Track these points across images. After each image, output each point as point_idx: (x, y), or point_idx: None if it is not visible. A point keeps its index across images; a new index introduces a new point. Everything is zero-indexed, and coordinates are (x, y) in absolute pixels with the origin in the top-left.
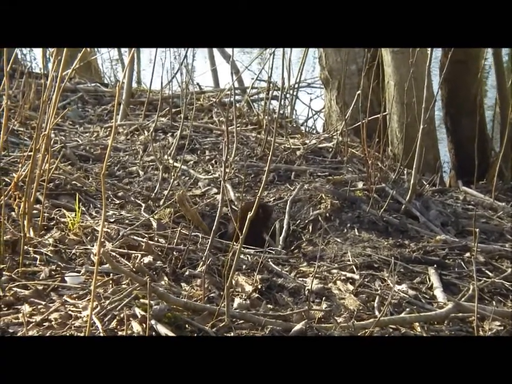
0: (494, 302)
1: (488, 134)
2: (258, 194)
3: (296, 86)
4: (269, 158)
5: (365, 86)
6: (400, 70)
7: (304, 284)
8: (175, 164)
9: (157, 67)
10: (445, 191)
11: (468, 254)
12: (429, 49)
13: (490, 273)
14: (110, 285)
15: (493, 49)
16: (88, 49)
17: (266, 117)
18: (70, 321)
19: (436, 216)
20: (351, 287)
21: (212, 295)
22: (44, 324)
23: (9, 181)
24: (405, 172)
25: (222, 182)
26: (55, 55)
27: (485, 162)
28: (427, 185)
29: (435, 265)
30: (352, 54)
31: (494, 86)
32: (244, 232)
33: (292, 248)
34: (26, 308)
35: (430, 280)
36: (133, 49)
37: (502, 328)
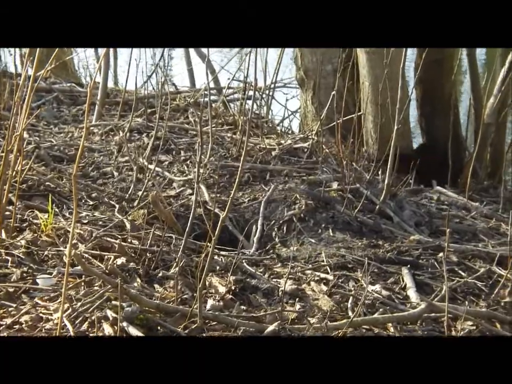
0: (466, 302)
1: (462, 134)
2: (232, 195)
3: (272, 86)
4: (242, 158)
5: (340, 86)
6: (375, 70)
7: (278, 285)
8: (150, 165)
9: (133, 67)
10: (419, 191)
11: (441, 254)
12: (403, 49)
13: (463, 273)
14: (82, 287)
15: (467, 50)
16: (65, 48)
17: (242, 117)
18: (41, 323)
19: (410, 216)
20: (324, 288)
21: (185, 296)
22: (15, 326)
23: None
24: (380, 172)
25: (195, 183)
26: (28, 54)
27: (459, 162)
28: (401, 186)
29: (409, 266)
30: (327, 54)
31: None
32: (216, 232)
33: (266, 248)
34: None
35: (403, 281)
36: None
37: (474, 327)
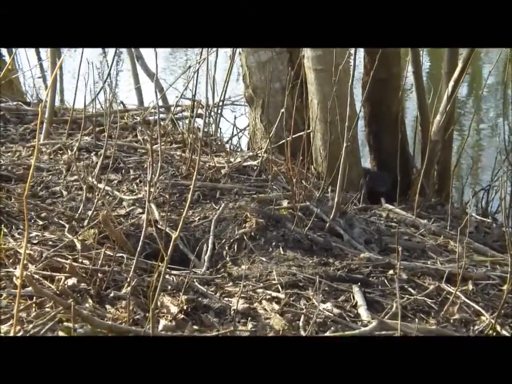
0: (416, 319)
1: (409, 151)
2: (184, 214)
3: (221, 104)
4: (194, 176)
5: (289, 104)
6: (324, 88)
7: (230, 304)
8: (99, 184)
9: (80, 85)
10: (368, 208)
11: (391, 272)
12: (351, 68)
13: (413, 290)
14: (33, 309)
15: (413, 68)
16: (9, 67)
17: (191, 135)
18: None
19: (360, 234)
20: (276, 307)
21: (137, 317)
22: None
23: None
24: (329, 189)
25: (146, 201)
26: None
27: (407, 179)
28: (351, 203)
29: (359, 283)
30: (275, 72)
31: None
32: (169, 252)
33: (217, 267)
34: None
35: (354, 298)
36: (56, 66)
37: None
